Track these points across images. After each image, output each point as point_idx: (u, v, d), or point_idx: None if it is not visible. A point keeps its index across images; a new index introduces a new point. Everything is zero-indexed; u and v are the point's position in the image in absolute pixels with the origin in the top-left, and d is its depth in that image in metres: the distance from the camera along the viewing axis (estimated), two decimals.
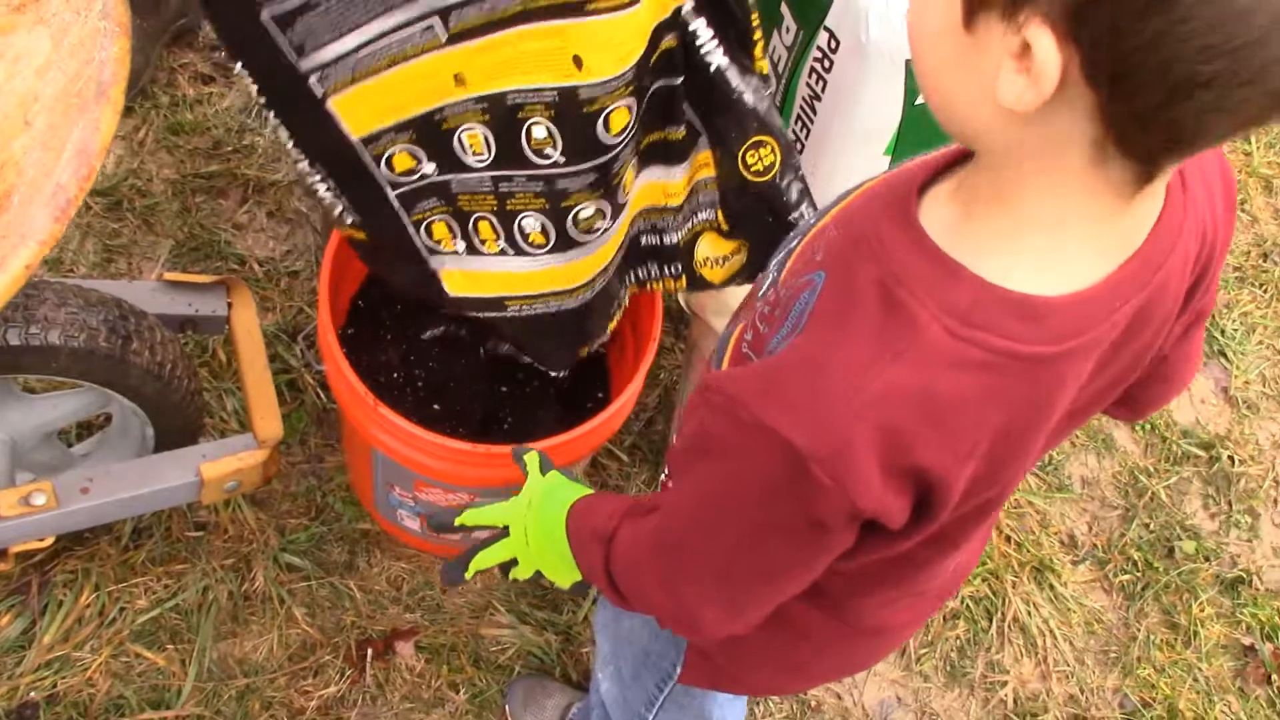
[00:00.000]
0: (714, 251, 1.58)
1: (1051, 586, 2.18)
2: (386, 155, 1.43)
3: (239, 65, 1.36)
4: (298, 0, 1.26)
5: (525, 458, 1.30)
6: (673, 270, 1.62)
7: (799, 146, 1.75)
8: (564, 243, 1.48)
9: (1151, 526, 2.29)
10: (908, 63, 1.57)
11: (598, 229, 1.47)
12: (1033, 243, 0.78)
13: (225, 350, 2.02)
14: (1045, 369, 0.80)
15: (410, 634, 1.89)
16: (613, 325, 1.68)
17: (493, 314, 1.58)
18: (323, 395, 2.03)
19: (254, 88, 1.38)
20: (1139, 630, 2.18)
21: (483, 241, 1.52)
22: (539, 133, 1.37)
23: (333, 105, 1.36)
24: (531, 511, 1.22)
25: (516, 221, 1.47)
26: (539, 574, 1.24)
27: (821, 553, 0.88)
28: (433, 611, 1.93)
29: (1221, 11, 0.63)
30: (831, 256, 0.87)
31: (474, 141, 1.40)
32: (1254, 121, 0.69)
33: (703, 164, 1.50)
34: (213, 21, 1.37)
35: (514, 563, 1.25)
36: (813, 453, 0.78)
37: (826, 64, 1.62)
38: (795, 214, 1.51)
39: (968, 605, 2.12)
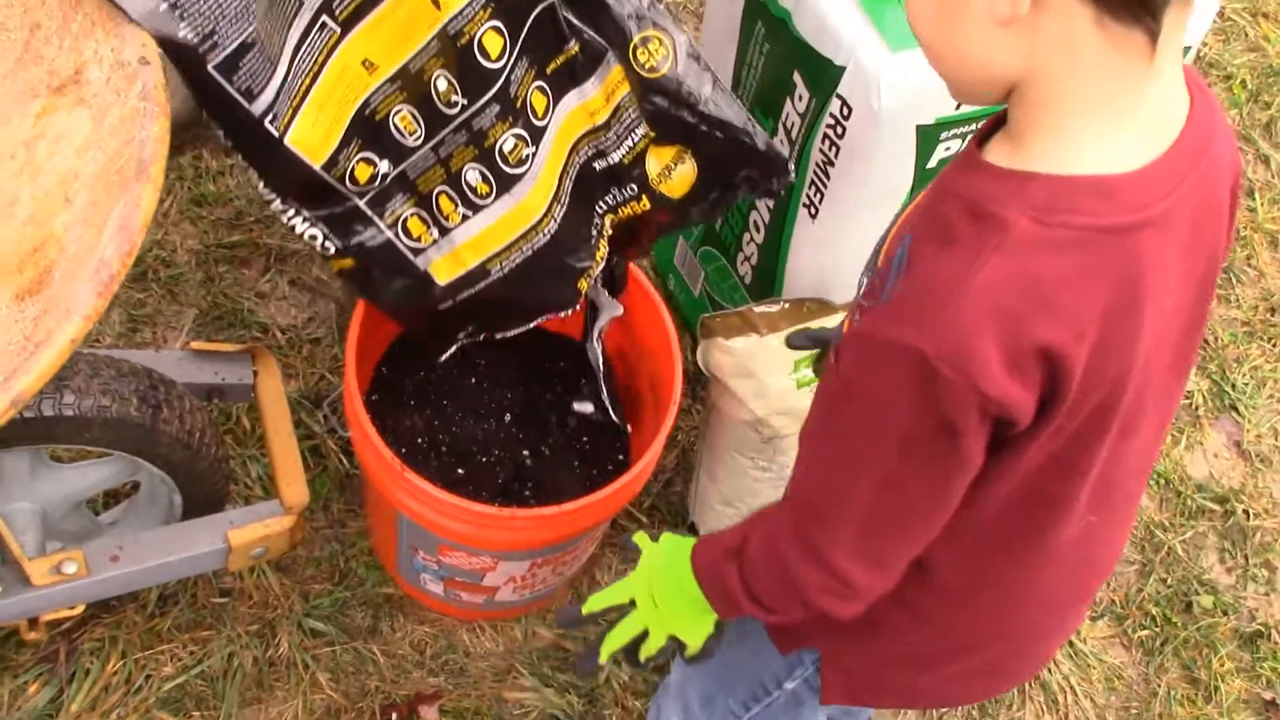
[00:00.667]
0: (660, 163, 1.62)
1: (1070, 643, 2.18)
2: (349, 172, 1.48)
3: (206, 116, 1.41)
4: (235, 43, 1.31)
5: (634, 538, 1.31)
6: (629, 191, 1.65)
7: (813, 211, 1.78)
8: (504, 182, 1.54)
9: (1169, 581, 2.29)
10: (919, 128, 1.61)
11: (526, 156, 1.53)
12: (1085, 133, 0.88)
13: (250, 417, 2.04)
14: (1128, 240, 0.89)
15: (434, 698, 1.90)
16: (600, 255, 1.70)
17: (482, 284, 1.62)
18: (345, 461, 2.05)
19: (221, 135, 1.43)
20: (1159, 686, 2.17)
21: (447, 217, 1.57)
22: (441, 85, 1.45)
23: (290, 143, 1.42)
24: (655, 573, 1.24)
25: (463, 179, 1.54)
26: (672, 642, 1.24)
27: (956, 469, 0.95)
28: (456, 675, 1.93)
29: None
30: (917, 218, 0.97)
31: (405, 122, 1.47)
32: None
33: (619, 80, 1.55)
34: (182, 78, 1.42)
35: (643, 638, 1.25)
36: (938, 353, 0.86)
37: (839, 130, 1.66)
38: (705, 104, 1.54)
39: None
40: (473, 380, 1.93)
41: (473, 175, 1.53)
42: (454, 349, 1.75)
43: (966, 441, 0.92)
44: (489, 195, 1.56)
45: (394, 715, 1.87)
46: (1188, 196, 0.92)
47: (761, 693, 1.31)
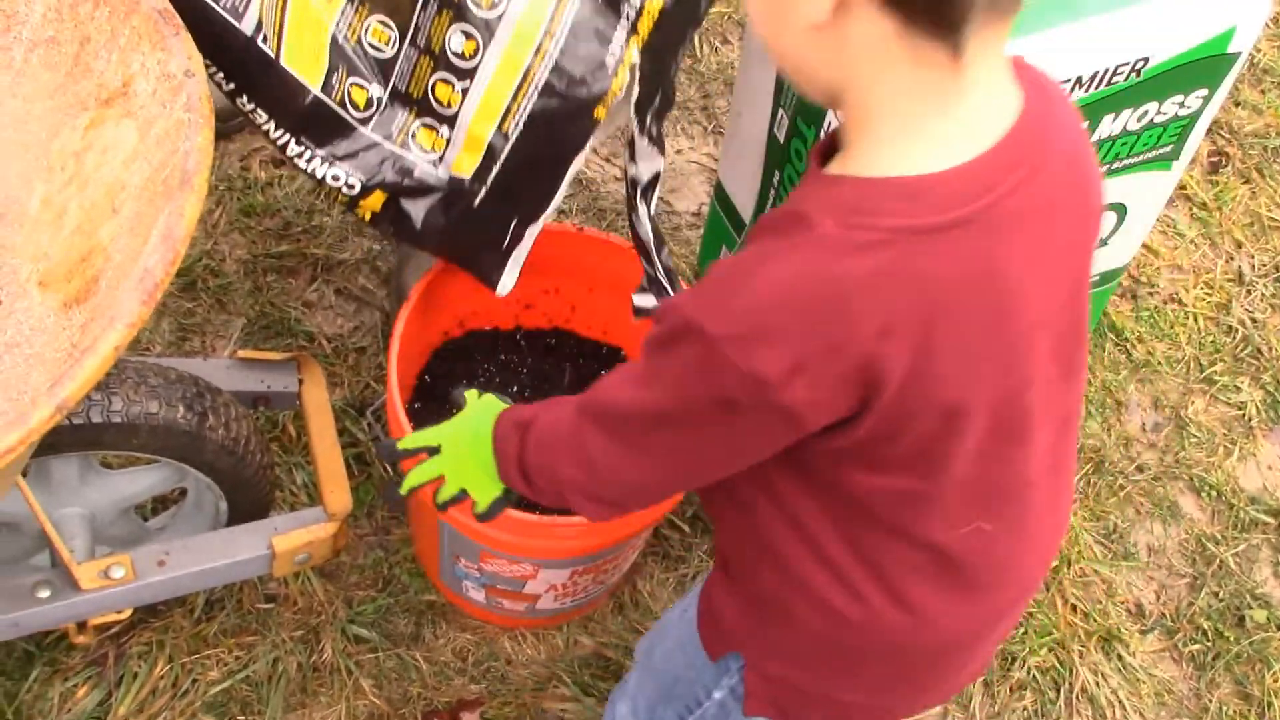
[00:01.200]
0: None
1: (1120, 656, 2.15)
2: (345, 95, 1.48)
3: (205, 61, 1.40)
4: None
5: (466, 393, 1.35)
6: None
7: None
8: (485, 31, 1.50)
9: (1220, 595, 2.26)
10: None
11: None
12: (897, 139, 0.90)
13: (295, 425, 2.06)
14: (941, 241, 0.88)
15: (475, 705, 1.91)
16: (618, 82, 1.58)
17: (504, 153, 1.56)
18: (390, 469, 2.07)
19: (221, 77, 1.43)
20: (1210, 701, 2.14)
21: (448, 104, 1.54)
22: None
23: (285, 63, 1.42)
24: (464, 425, 1.30)
25: (448, 51, 1.50)
26: (464, 494, 1.31)
27: (728, 444, 0.99)
28: (497, 682, 1.94)
29: None
30: None
31: (378, 35, 1.47)
32: None
33: None
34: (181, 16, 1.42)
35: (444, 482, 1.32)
36: (723, 334, 0.89)
37: None
38: None
39: (1034, 676, 2.10)
40: (514, 389, 1.94)
41: (456, 40, 1.49)
42: (515, 272, 1.68)
43: (745, 423, 0.94)
44: (476, 53, 1.51)
45: None
46: (1024, 196, 0.91)
47: (694, 704, 1.30)
